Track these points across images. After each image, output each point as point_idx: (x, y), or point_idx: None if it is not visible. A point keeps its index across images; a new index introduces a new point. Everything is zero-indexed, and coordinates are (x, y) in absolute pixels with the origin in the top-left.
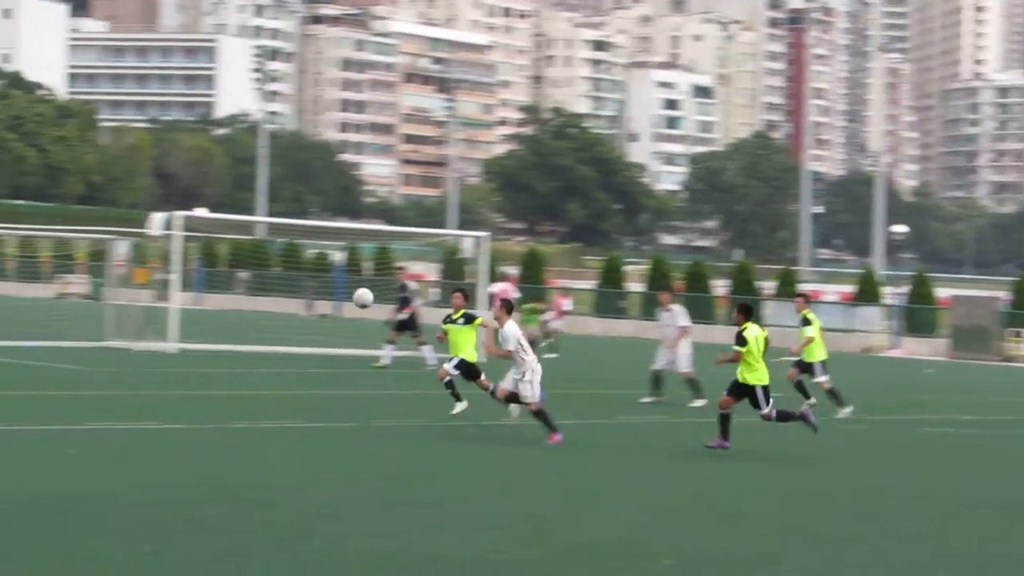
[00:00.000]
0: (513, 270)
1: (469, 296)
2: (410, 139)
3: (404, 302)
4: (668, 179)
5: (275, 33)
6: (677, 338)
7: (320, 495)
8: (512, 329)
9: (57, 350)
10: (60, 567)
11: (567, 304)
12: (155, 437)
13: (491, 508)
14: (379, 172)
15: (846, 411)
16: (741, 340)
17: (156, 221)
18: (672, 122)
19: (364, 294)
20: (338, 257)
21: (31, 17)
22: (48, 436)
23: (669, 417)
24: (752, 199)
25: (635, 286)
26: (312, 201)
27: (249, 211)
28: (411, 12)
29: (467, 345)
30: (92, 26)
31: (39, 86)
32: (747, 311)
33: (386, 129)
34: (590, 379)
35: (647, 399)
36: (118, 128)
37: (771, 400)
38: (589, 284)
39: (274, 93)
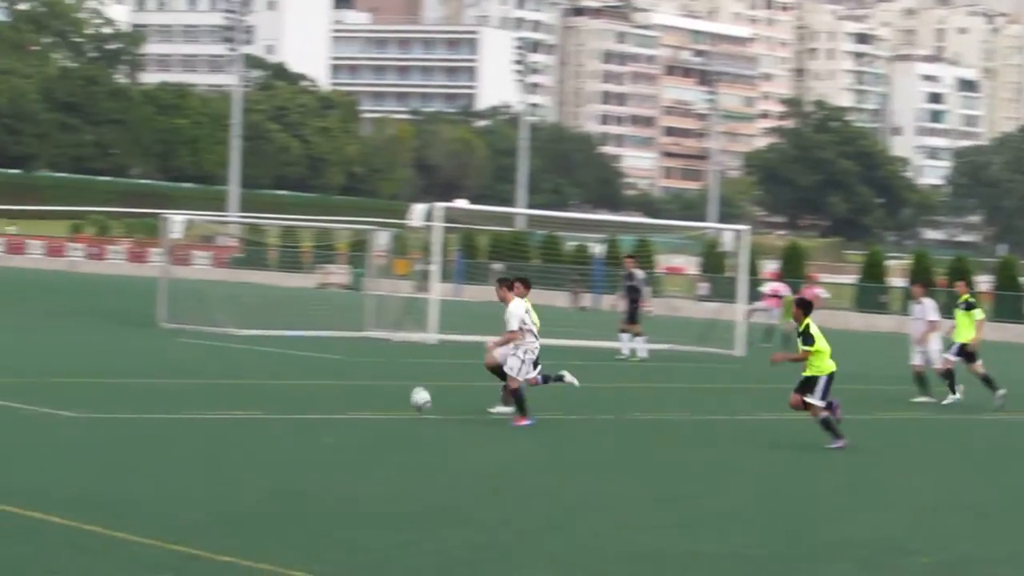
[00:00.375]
0: (773, 264)
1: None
2: (671, 132)
3: (632, 291)
4: (931, 173)
5: (536, 25)
6: (926, 332)
7: (575, 488)
8: (516, 308)
9: (318, 340)
10: (316, 554)
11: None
12: (410, 427)
13: (745, 504)
14: (639, 165)
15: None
16: (808, 339)
17: (417, 212)
18: (936, 116)
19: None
20: (598, 250)
21: (295, 9)
22: (306, 425)
23: (930, 414)
24: (1017, 194)
25: (897, 281)
26: (572, 193)
27: (509, 203)
28: (672, 4)
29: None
30: (355, 18)
31: (302, 77)
32: (807, 306)
33: (647, 122)
34: (848, 375)
35: (919, 399)
36: (379, 119)
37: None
38: (850, 279)
39: (535, 85)
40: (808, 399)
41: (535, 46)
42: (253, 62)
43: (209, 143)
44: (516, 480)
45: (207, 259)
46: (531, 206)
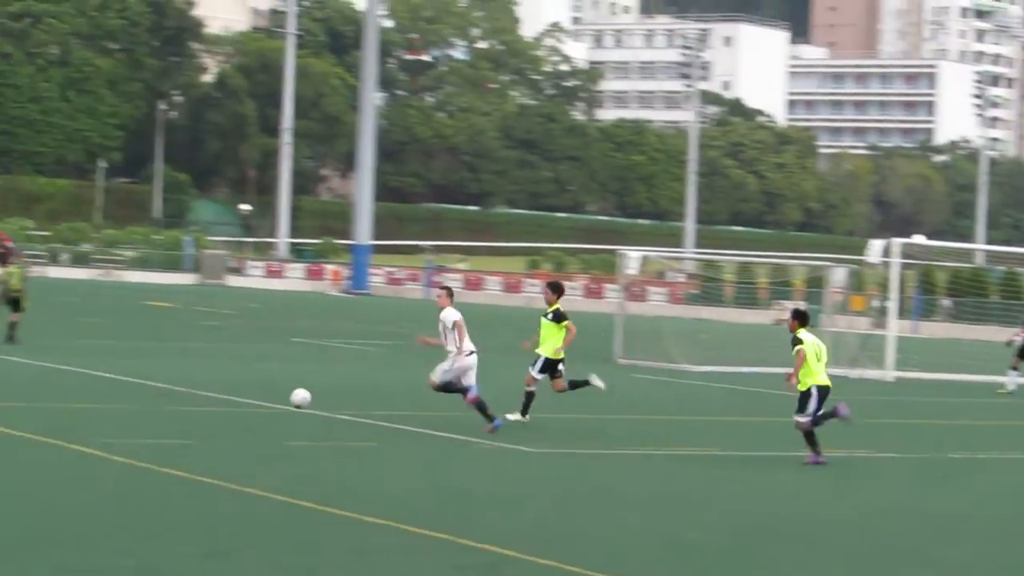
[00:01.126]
0: None
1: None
2: None
3: None
4: None
5: (996, 58)
6: None
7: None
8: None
9: (773, 376)
10: None
11: None
12: (864, 466)
13: None
14: None
15: None
16: (796, 341)
17: (874, 248)
18: None
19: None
20: None
21: (751, 45)
22: (761, 462)
23: None
24: None
25: None
26: None
27: (967, 239)
28: None
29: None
30: (812, 53)
31: (759, 113)
32: (802, 317)
33: None
34: None
35: None
36: (836, 155)
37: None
38: None
39: (994, 119)
40: None
41: (995, 80)
42: (709, 98)
43: (665, 179)
44: (975, 521)
45: (663, 295)
46: (990, 242)
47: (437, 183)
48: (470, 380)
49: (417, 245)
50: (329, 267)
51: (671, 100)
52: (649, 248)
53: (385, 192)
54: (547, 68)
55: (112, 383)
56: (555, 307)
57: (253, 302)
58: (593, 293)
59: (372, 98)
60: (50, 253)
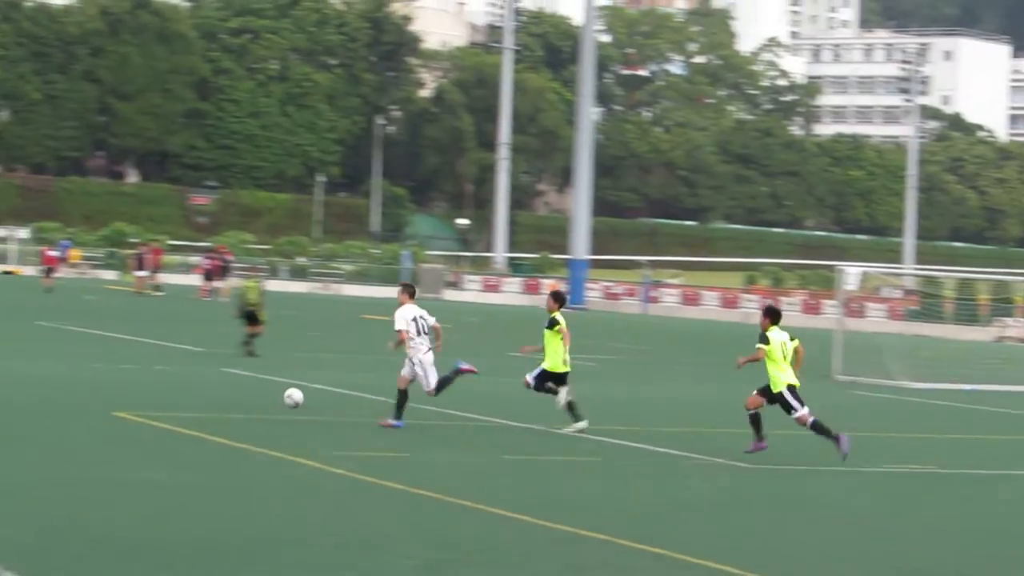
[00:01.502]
0: None
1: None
2: None
3: None
4: None
5: None
6: None
7: None
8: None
9: (996, 394)
10: None
11: None
12: None
13: None
14: None
15: None
16: (763, 340)
17: None
18: None
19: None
20: None
21: (972, 59)
22: (983, 480)
23: None
24: None
25: None
26: None
27: None
28: None
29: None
30: None
31: (979, 128)
32: (773, 314)
33: None
34: None
35: None
36: None
37: (801, 401)
38: None
39: None
40: None
41: None
42: (929, 113)
43: (883, 195)
44: None
45: (881, 311)
46: None
47: (654, 198)
48: (433, 375)
49: (634, 260)
50: (546, 281)
51: (890, 115)
52: (868, 264)
53: (602, 207)
54: (764, 83)
55: (330, 396)
56: (553, 315)
57: (471, 316)
58: (811, 309)
59: (589, 113)
60: (269, 266)
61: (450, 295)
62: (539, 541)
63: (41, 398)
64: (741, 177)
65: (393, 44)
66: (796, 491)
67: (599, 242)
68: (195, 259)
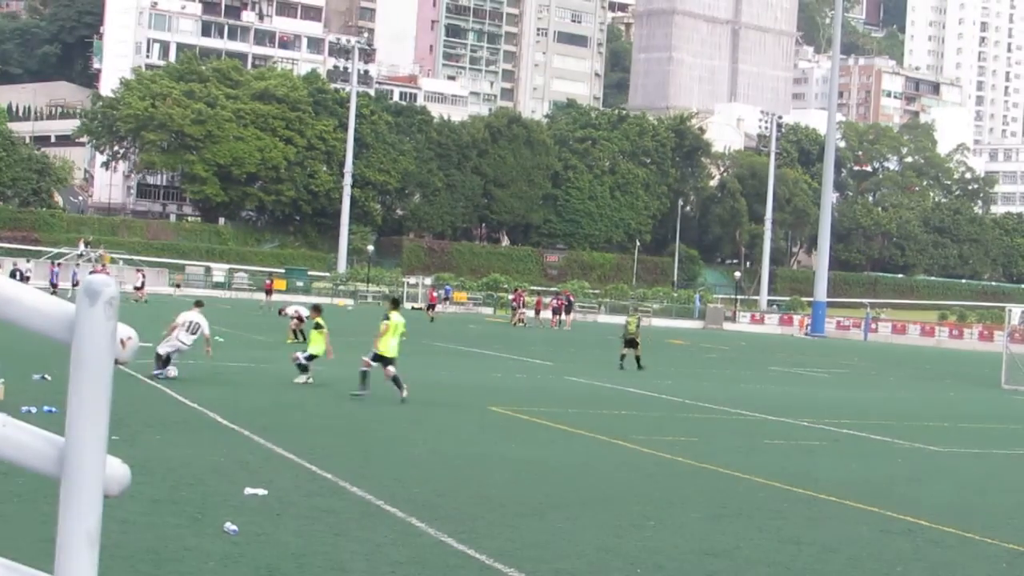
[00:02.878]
0: None
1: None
2: None
3: None
4: None
5: None
6: None
7: None
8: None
9: None
10: None
11: None
12: None
13: None
14: None
15: None
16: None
17: None
18: None
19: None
20: None
21: None
22: None
23: None
24: None
25: None
26: None
27: None
28: None
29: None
30: None
31: None
32: (395, 303)
33: None
34: None
35: None
36: None
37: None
38: None
39: None
40: None
41: None
42: None
43: None
44: None
45: None
46: None
47: (875, 257)
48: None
49: (859, 302)
50: (796, 317)
51: None
52: None
53: (837, 263)
54: (955, 176)
55: (643, 397)
56: (316, 320)
57: (742, 341)
58: (985, 338)
59: (829, 197)
60: (599, 305)
61: (728, 326)
62: (787, 500)
63: (438, 397)
64: (937, 243)
65: (691, 148)
66: (977, 467)
67: (834, 289)
68: (547, 299)
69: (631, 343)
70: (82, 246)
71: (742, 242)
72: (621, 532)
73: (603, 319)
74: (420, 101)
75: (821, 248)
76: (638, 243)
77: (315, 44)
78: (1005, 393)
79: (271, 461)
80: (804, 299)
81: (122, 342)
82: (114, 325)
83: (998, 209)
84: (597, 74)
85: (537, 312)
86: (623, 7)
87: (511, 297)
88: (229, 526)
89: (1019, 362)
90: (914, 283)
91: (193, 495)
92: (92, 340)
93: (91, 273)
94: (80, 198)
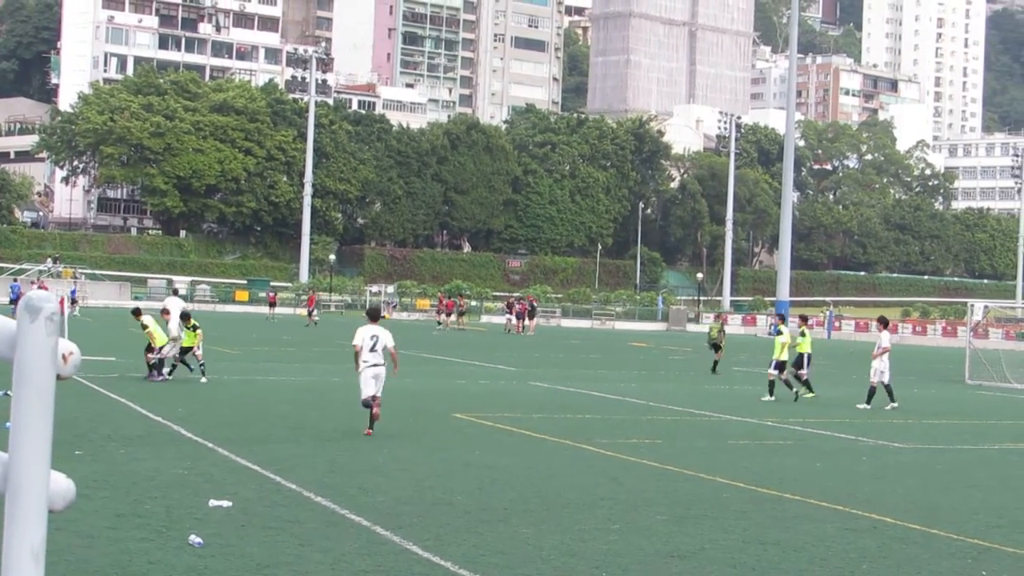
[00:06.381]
0: None
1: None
2: None
3: None
4: None
5: None
6: None
7: None
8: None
9: None
10: None
11: None
12: None
13: None
14: None
15: None
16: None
17: None
18: None
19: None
20: None
21: None
22: None
23: None
24: None
25: None
26: None
27: None
28: None
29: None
30: None
31: None
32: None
33: None
34: None
35: None
36: None
37: None
38: None
39: None
40: None
41: None
42: None
43: (1002, 251)
44: None
45: (999, 334)
46: None
47: (836, 256)
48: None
49: (822, 300)
50: (759, 317)
51: (1006, 193)
52: (989, 300)
53: (799, 263)
54: (915, 172)
55: (607, 400)
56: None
57: (705, 342)
58: (948, 333)
59: (789, 196)
60: (562, 309)
61: (691, 327)
62: (751, 500)
63: (401, 404)
64: (899, 240)
65: (650, 150)
66: (938, 463)
67: (796, 288)
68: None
69: (715, 347)
70: (49, 263)
71: (704, 243)
72: (586, 536)
73: (566, 323)
74: (379, 109)
75: (783, 247)
76: (600, 247)
77: (272, 55)
78: (969, 388)
79: (235, 473)
80: (767, 299)
81: (64, 357)
82: (55, 341)
83: (959, 205)
84: (555, 78)
85: (448, 313)
86: (579, 11)
87: (447, 301)
88: (194, 539)
89: (982, 358)
90: (876, 280)
91: (157, 508)
92: (34, 356)
93: (32, 288)
94: (40, 213)
